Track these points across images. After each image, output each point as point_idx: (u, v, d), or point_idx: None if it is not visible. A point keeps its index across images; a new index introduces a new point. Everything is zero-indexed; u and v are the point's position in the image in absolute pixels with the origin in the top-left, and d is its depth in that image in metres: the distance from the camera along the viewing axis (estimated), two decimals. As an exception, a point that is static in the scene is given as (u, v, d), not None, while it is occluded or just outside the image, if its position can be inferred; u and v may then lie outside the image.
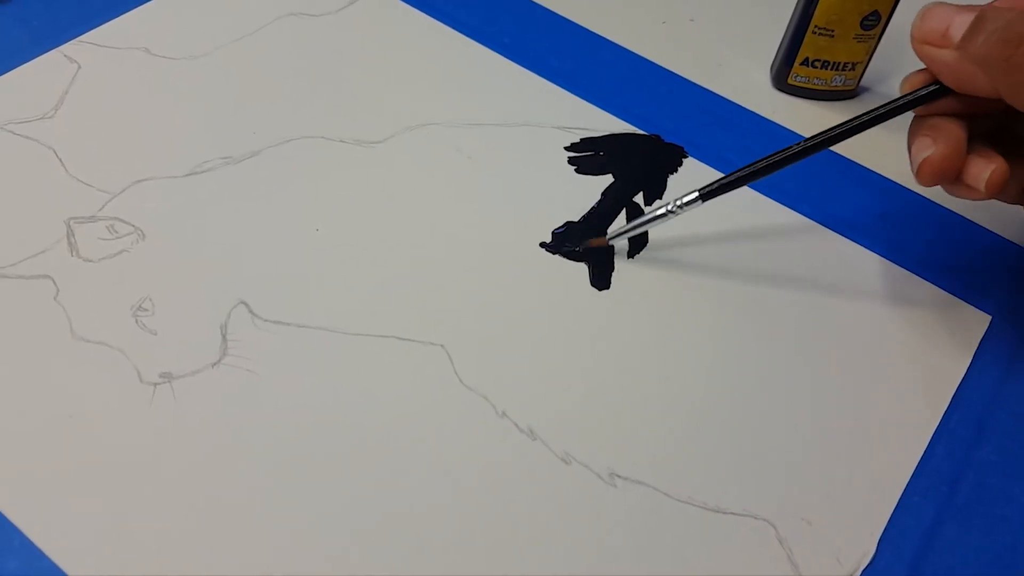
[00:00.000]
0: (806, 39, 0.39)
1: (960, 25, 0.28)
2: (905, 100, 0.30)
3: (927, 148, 0.29)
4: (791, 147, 0.31)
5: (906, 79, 0.30)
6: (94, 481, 0.27)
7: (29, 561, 0.25)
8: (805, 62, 0.40)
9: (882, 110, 0.30)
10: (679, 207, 0.32)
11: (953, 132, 0.29)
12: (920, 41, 0.29)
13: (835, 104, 0.42)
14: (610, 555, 0.27)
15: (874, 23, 0.38)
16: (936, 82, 0.29)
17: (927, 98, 0.29)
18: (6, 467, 0.27)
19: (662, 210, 0.32)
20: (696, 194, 0.32)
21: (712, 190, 0.32)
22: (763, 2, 0.46)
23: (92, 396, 0.29)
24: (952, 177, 0.29)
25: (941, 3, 0.29)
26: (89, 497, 0.27)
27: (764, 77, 0.43)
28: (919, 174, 0.29)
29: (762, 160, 0.31)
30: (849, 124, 0.30)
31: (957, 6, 0.28)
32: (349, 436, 0.29)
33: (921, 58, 0.29)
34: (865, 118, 0.30)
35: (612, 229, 0.33)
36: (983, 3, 0.28)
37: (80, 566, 0.25)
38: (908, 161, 0.30)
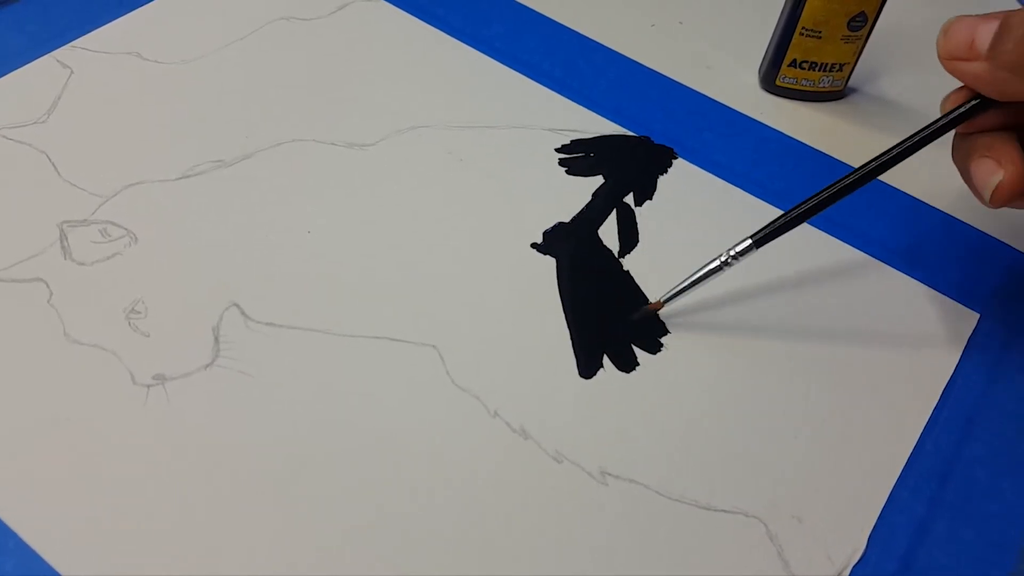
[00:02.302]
0: (794, 40, 0.39)
1: (985, 35, 0.27)
2: (949, 118, 0.29)
3: (994, 171, 0.28)
4: (841, 180, 0.29)
5: (946, 98, 0.30)
6: (88, 483, 0.27)
7: (24, 562, 0.25)
8: (793, 63, 0.40)
9: (927, 132, 0.29)
10: (733, 258, 0.31)
11: (1012, 150, 0.28)
12: (947, 58, 0.28)
13: (823, 105, 0.42)
14: (601, 553, 0.27)
15: (861, 24, 0.38)
16: (976, 96, 0.28)
17: (969, 113, 0.29)
18: (1, 469, 0.27)
19: (716, 263, 0.31)
20: (749, 241, 0.31)
21: (766, 235, 0.30)
22: (751, 4, 0.47)
23: (86, 398, 0.29)
24: (1021, 194, 0.29)
25: (961, 17, 0.28)
26: (84, 499, 0.27)
27: (752, 79, 0.43)
28: (993, 199, 0.29)
29: (813, 197, 0.30)
30: (898, 149, 0.29)
31: (977, 17, 0.28)
32: (342, 437, 0.29)
33: (953, 74, 0.28)
34: (911, 142, 0.29)
35: (665, 293, 0.32)
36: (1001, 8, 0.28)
37: (75, 567, 0.26)
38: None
